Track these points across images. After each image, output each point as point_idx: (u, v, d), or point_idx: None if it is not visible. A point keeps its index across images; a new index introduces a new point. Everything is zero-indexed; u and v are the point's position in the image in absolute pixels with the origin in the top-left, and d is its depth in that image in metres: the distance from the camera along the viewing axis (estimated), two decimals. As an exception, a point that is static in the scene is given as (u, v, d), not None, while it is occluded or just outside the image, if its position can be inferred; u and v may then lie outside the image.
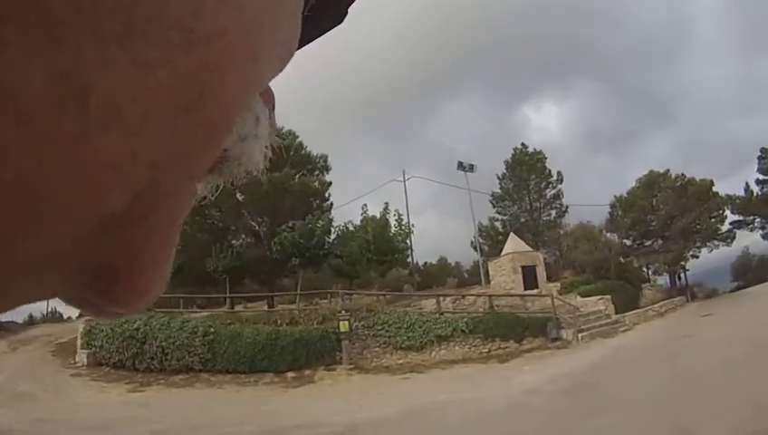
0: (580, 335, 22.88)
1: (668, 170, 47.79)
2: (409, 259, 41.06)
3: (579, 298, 29.46)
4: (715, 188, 46.67)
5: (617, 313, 28.07)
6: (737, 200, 49.13)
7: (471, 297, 27.48)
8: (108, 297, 0.30)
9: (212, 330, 20.42)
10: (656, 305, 33.07)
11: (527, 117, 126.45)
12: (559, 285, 33.71)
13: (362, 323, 22.60)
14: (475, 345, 22.64)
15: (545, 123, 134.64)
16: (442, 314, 23.68)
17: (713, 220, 46.09)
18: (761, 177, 52.63)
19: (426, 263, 53.02)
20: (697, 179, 46.65)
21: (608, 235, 40.78)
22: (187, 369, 19.67)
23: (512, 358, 21.28)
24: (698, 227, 46.29)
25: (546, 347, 22.54)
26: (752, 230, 51.95)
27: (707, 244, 47.25)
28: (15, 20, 0.18)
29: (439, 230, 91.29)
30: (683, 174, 47.00)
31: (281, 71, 0.35)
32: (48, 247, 0.23)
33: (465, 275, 48.42)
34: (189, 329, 20.23)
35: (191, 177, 0.29)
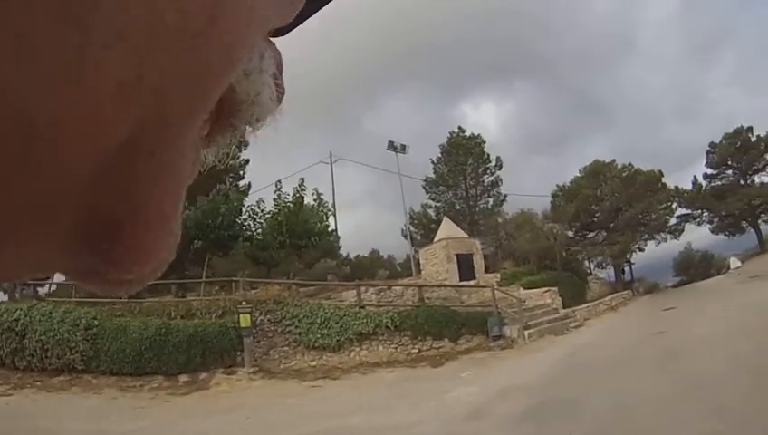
0: (526, 333, 19.59)
1: (614, 160, 45.66)
2: (341, 251, 38.51)
3: (522, 290, 26.45)
4: (663, 180, 44.14)
5: (564, 307, 25.25)
6: (685, 194, 46.90)
7: (398, 289, 23.88)
8: (110, 259, 0.28)
9: (95, 323, 17.18)
10: (606, 299, 30.64)
11: (465, 114, 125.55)
12: (499, 276, 30.54)
13: (268, 316, 19.29)
14: (402, 344, 19.17)
15: (484, 121, 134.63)
16: (363, 307, 20.05)
17: (662, 212, 43.73)
18: (709, 171, 51.76)
19: (358, 255, 49.04)
20: (644, 170, 44.06)
21: (550, 224, 37.45)
22: (68, 368, 16.51)
23: (446, 360, 17.92)
24: (646, 219, 44.06)
25: (487, 347, 19.21)
26: (699, 224, 50.51)
27: (655, 236, 44.98)
28: None
29: (374, 224, 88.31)
30: (630, 164, 44.77)
31: (289, 17, 0.35)
32: (45, 186, 0.23)
33: (398, 268, 44.81)
34: (71, 321, 16.96)
35: (198, 109, 0.28)
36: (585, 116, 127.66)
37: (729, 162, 50.41)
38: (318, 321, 19.02)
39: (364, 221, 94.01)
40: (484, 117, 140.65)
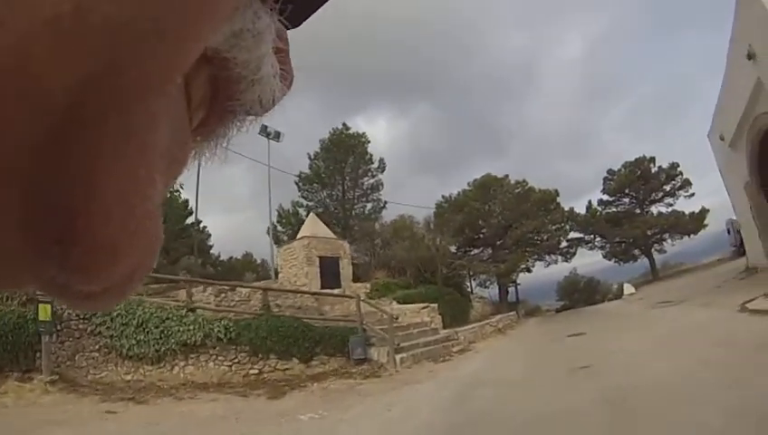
0: (398, 357, 15.92)
1: (507, 176, 43.23)
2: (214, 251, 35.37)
3: (396, 305, 23.24)
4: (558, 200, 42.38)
5: (445, 326, 22.44)
6: (578, 217, 45.21)
7: (244, 291, 19.81)
8: (67, 264, 0.22)
9: None
10: (493, 319, 27.72)
11: (359, 126, 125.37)
12: (369, 286, 26.97)
13: (77, 311, 14.08)
14: (238, 362, 15.17)
15: (376, 135, 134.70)
16: (192, 309, 15.73)
17: (554, 232, 41.89)
18: (605, 197, 50.85)
19: (231, 257, 45.13)
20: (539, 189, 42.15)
21: (432, 236, 34.44)
22: None
23: (292, 388, 13.94)
24: (537, 238, 41.92)
25: (347, 372, 15.58)
26: (591, 249, 49.11)
27: (545, 258, 43.08)
28: None
29: (253, 226, 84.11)
30: (524, 180, 42.28)
31: None
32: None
33: (272, 272, 40.73)
34: None
35: (168, 58, 0.22)
36: (481, 143, 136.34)
37: (627, 190, 49.46)
38: (134, 323, 14.70)
39: (244, 222, 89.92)
40: (376, 131, 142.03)
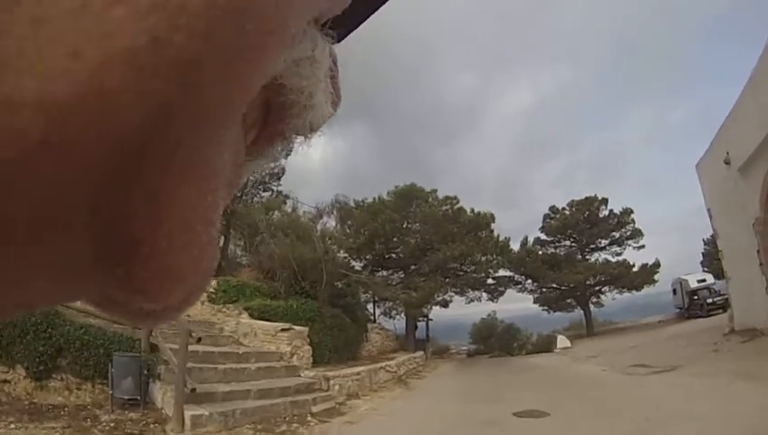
0: (192, 413, 8.90)
1: (436, 190, 36.43)
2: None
3: (246, 318, 16.68)
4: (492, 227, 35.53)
5: (316, 364, 16.21)
6: (511, 253, 38.30)
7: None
8: (129, 286, 0.23)
9: None
10: (393, 361, 20.95)
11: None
12: (216, 284, 19.85)
13: None
14: None
15: (309, 151, 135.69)
16: None
17: (484, 264, 34.81)
18: (542, 236, 45.26)
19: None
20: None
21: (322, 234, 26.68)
22: None
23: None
24: (462, 269, 34.79)
25: (94, 420, 8.87)
26: (521, 291, 42.83)
27: (467, 293, 35.93)
28: None
29: None
30: (455, 197, 35.63)
31: (343, 4, 0.31)
32: (36, 200, 0.19)
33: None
34: None
35: (237, 91, 0.23)
36: (414, 173, 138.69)
37: (569, 232, 43.70)
38: None
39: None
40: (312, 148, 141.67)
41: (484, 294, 37.29)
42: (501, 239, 35.79)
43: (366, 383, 15.91)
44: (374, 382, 16.69)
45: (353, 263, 33.48)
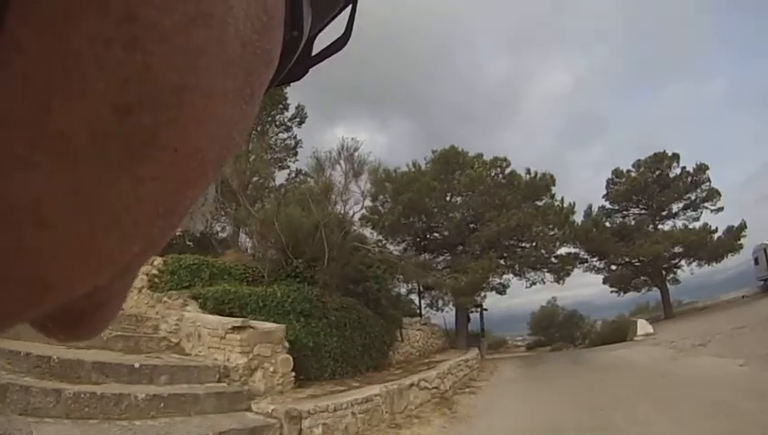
0: None
1: (482, 155, 29.08)
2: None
3: (192, 311, 11.13)
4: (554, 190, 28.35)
5: (304, 381, 10.69)
6: (574, 224, 30.67)
7: None
8: (66, 332, 0.31)
9: None
10: (435, 370, 14.72)
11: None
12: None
13: None
14: None
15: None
16: None
17: (550, 236, 27.87)
18: (608, 205, 37.87)
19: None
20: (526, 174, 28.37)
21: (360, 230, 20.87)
22: None
23: None
24: (519, 245, 27.90)
25: None
26: (588, 270, 36.46)
27: (527, 273, 28.94)
28: (46, 149, 0.21)
29: None
30: (506, 158, 28.66)
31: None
32: (47, 308, 0.25)
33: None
34: None
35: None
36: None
37: (638, 196, 36.20)
38: None
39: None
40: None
41: (548, 275, 29.94)
42: (565, 206, 28.45)
43: (383, 415, 9.53)
44: (399, 410, 10.28)
45: (390, 247, 27.24)
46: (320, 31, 0.39)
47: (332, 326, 13.46)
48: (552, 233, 27.33)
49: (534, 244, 27.55)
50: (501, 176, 27.72)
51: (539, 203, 27.36)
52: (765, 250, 32.96)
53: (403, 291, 27.25)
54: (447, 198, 27.91)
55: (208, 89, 0.25)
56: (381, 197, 26.80)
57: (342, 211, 16.17)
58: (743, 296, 34.26)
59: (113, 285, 0.29)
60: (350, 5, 0.42)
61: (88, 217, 0.23)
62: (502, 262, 27.02)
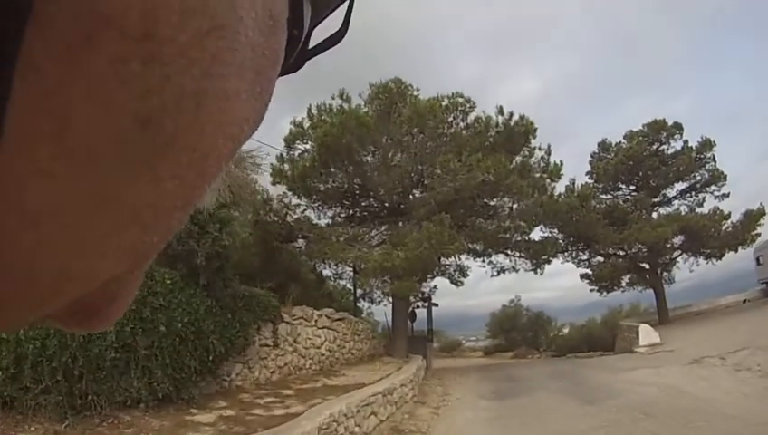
0: None
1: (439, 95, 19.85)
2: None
3: None
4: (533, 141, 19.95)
5: None
6: (556, 202, 21.85)
7: None
8: (82, 324, 0.32)
9: None
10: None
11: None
12: None
13: None
14: None
15: None
16: None
17: (531, 202, 19.55)
18: (593, 184, 28.94)
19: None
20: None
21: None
22: None
23: None
24: (483, 213, 19.55)
25: None
26: (567, 260, 28.21)
27: (491, 255, 20.48)
28: (67, 160, 0.22)
29: None
30: (471, 99, 19.89)
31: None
32: (68, 299, 0.26)
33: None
34: None
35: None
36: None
37: (627, 177, 28.07)
38: None
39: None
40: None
41: (522, 262, 21.03)
42: (552, 164, 19.82)
43: None
44: None
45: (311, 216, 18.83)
46: (317, 24, 0.39)
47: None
48: (532, 198, 18.39)
49: (510, 208, 18.56)
50: (463, 123, 19.06)
51: (516, 157, 18.78)
52: (771, 250, 26.18)
53: (327, 273, 20.58)
54: (386, 140, 18.49)
55: (223, 92, 0.26)
56: (298, 142, 18.20)
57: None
58: (744, 301, 27.87)
59: (129, 276, 0.31)
60: (348, 1, 0.42)
61: (109, 216, 0.24)
62: (459, 232, 17.92)
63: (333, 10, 0.40)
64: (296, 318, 12.59)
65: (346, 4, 0.41)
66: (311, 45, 0.39)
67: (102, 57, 0.20)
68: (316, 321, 13.65)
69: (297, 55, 0.37)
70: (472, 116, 19.00)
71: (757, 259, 27.62)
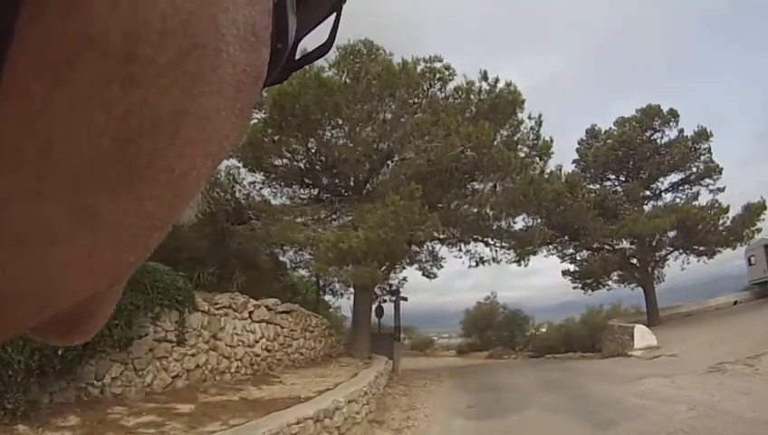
0: None
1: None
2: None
3: None
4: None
5: None
6: (543, 190, 19.24)
7: None
8: (64, 337, 0.32)
9: None
10: None
11: None
12: None
13: None
14: None
15: None
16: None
17: (518, 185, 16.88)
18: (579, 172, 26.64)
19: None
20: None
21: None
22: None
23: None
24: (467, 197, 17.06)
25: None
26: (552, 253, 25.84)
27: (469, 242, 18.05)
28: (50, 181, 0.22)
29: None
30: (449, 67, 17.17)
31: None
32: (49, 315, 0.26)
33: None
34: None
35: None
36: None
37: (616, 166, 26.02)
38: None
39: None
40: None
41: (504, 252, 18.43)
42: (543, 139, 17.38)
43: None
44: None
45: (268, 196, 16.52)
46: (303, 36, 0.38)
47: None
48: (519, 176, 15.69)
49: (494, 186, 15.81)
50: (441, 93, 16.40)
51: (501, 129, 16.15)
52: (766, 247, 24.89)
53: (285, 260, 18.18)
54: (351, 111, 15.67)
55: (203, 110, 0.26)
56: (255, 110, 15.33)
57: None
58: (735, 302, 27.24)
59: (108, 292, 0.30)
60: (335, 14, 0.41)
61: (91, 236, 0.24)
62: (432, 213, 15.09)
63: (320, 22, 0.40)
64: (219, 307, 9.83)
65: (333, 16, 0.40)
66: (297, 56, 0.38)
67: (86, 78, 0.20)
68: (251, 313, 10.94)
69: (282, 67, 0.36)
70: (452, 85, 16.40)
71: (749, 259, 26.78)
